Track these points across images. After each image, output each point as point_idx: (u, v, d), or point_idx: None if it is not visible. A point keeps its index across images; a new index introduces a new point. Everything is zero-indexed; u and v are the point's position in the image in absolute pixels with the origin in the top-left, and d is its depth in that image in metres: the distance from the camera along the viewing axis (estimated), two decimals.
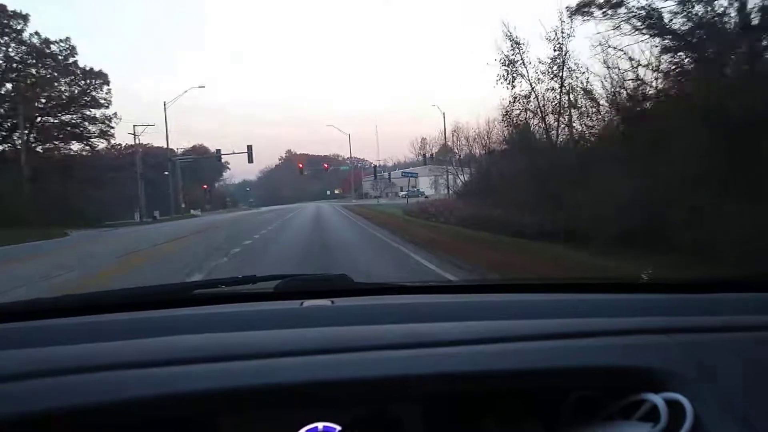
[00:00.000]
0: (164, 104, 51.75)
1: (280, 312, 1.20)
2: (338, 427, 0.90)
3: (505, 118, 20.64)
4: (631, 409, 0.85)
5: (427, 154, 53.13)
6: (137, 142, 53.06)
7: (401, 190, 76.11)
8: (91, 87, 43.05)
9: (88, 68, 42.45)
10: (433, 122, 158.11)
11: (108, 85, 44.23)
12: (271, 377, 0.83)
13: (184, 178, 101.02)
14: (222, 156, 56.00)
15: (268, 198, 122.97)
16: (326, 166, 77.50)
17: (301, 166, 69.28)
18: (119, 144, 53.63)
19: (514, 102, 19.91)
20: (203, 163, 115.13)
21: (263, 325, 1.06)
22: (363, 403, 0.90)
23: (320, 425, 0.90)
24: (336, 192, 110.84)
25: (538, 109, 19.43)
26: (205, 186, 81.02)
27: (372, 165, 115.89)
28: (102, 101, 43.84)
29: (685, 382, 0.83)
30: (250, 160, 48.93)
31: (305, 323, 1.06)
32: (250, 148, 49.12)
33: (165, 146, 65.87)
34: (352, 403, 0.90)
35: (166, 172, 66.82)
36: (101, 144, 44.38)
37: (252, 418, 0.90)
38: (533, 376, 0.88)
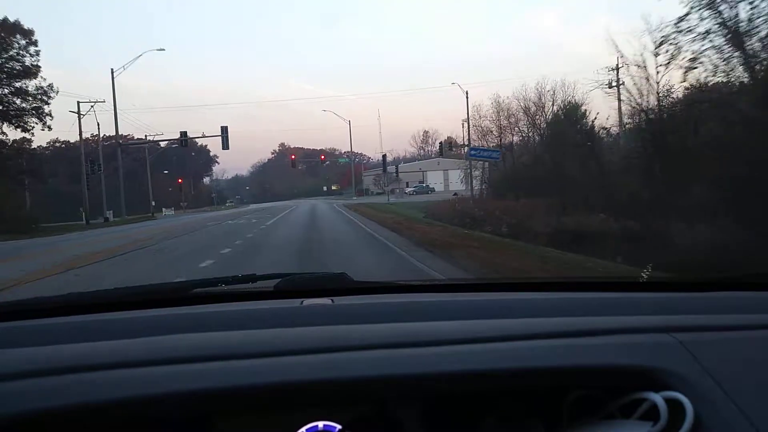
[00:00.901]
0: (111, 72, 40.62)
1: (280, 311, 1.19)
2: (338, 426, 0.90)
3: (664, 50, 10.92)
4: (631, 408, 0.85)
5: (440, 145, 43.12)
6: (97, 133, 42.75)
7: (407, 186, 67.58)
8: (13, 47, 32.78)
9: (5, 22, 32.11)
10: (441, 113, 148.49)
11: (35, 46, 33.95)
12: (271, 376, 0.83)
13: (170, 172, 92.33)
14: (187, 140, 43.19)
15: (260, 194, 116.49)
16: (323, 157, 67.04)
17: (293, 157, 59.10)
18: (96, 135, 43.30)
19: (681, 20, 10.25)
20: (191, 156, 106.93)
21: (263, 323, 1.05)
22: (363, 402, 0.91)
23: (320, 424, 0.90)
24: (333, 188, 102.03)
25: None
26: (180, 180, 69.71)
27: (370, 159, 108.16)
28: (30, 68, 33.58)
29: (685, 381, 0.84)
30: (225, 145, 38.21)
31: (305, 322, 1.06)
32: (224, 129, 38.29)
33: (144, 137, 55.66)
34: (352, 402, 0.90)
35: (166, 170, 57.44)
36: (36, 125, 33.80)
37: (253, 417, 0.90)
38: (533, 375, 0.88)
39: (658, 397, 0.81)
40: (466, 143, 44.25)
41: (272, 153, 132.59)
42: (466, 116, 37.88)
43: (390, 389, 0.86)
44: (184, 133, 41.59)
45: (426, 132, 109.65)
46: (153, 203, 56.74)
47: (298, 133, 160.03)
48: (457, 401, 0.93)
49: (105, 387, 0.80)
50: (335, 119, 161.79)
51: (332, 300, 1.25)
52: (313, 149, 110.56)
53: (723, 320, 1.03)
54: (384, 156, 47.91)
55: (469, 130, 38.38)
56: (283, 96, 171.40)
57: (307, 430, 0.89)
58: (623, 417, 0.85)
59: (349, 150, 77.17)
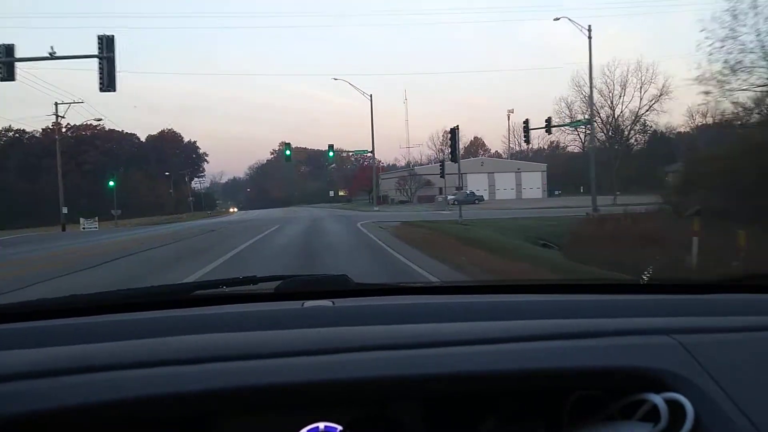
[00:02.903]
0: None
1: (281, 312, 1.23)
2: (339, 427, 0.94)
3: None
4: (632, 409, 0.89)
5: (524, 127, 28.36)
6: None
7: (439, 193, 51.41)
8: None
9: None
10: (462, 113, 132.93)
11: None
12: (272, 377, 0.86)
13: (147, 171, 76.65)
14: (13, 63, 18.18)
15: (257, 199, 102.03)
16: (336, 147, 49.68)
17: (285, 145, 42.43)
18: (57, 125, 28.44)
19: None
20: (173, 152, 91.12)
21: (264, 325, 1.08)
22: (364, 403, 0.95)
23: (321, 425, 0.93)
24: (341, 193, 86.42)
25: None
26: (111, 182, 47.55)
27: (380, 162, 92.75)
28: None
29: (686, 383, 0.87)
30: (108, 83, 18.73)
31: (306, 324, 1.08)
32: (106, 42, 18.87)
33: (124, 130, 39.48)
34: (353, 403, 0.94)
35: (143, 168, 40.25)
36: None
37: (254, 418, 0.94)
38: (534, 377, 0.91)
39: (658, 399, 0.84)
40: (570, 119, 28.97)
41: (272, 153, 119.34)
42: (589, 62, 27.83)
43: (391, 390, 0.89)
44: (7, 50, 19.17)
45: (446, 132, 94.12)
46: (64, 210, 39.77)
47: (301, 133, 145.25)
48: (458, 402, 0.97)
49: (106, 388, 0.83)
50: (341, 118, 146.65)
51: (333, 302, 1.27)
52: (319, 150, 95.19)
53: (723, 322, 1.06)
54: (454, 130, 23.81)
55: (591, 81, 28.99)
56: (286, 93, 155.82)
57: (308, 431, 0.93)
58: (624, 418, 0.88)
59: (369, 141, 54.69)
